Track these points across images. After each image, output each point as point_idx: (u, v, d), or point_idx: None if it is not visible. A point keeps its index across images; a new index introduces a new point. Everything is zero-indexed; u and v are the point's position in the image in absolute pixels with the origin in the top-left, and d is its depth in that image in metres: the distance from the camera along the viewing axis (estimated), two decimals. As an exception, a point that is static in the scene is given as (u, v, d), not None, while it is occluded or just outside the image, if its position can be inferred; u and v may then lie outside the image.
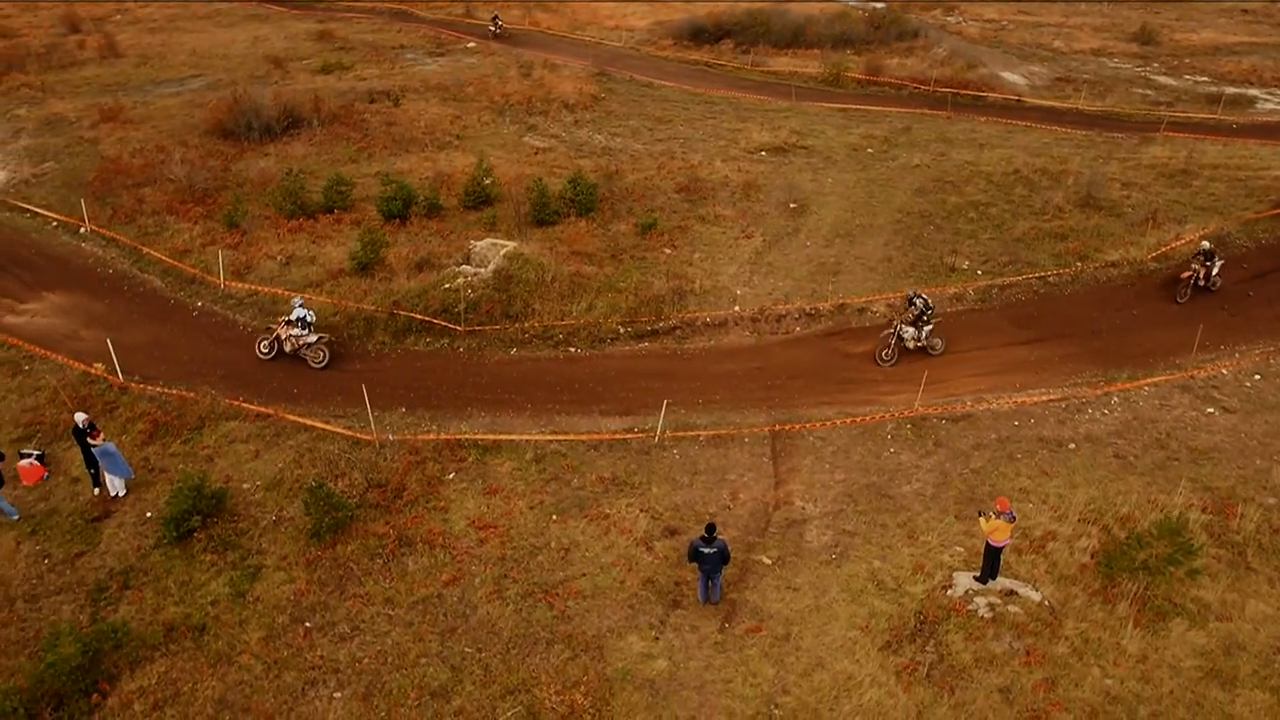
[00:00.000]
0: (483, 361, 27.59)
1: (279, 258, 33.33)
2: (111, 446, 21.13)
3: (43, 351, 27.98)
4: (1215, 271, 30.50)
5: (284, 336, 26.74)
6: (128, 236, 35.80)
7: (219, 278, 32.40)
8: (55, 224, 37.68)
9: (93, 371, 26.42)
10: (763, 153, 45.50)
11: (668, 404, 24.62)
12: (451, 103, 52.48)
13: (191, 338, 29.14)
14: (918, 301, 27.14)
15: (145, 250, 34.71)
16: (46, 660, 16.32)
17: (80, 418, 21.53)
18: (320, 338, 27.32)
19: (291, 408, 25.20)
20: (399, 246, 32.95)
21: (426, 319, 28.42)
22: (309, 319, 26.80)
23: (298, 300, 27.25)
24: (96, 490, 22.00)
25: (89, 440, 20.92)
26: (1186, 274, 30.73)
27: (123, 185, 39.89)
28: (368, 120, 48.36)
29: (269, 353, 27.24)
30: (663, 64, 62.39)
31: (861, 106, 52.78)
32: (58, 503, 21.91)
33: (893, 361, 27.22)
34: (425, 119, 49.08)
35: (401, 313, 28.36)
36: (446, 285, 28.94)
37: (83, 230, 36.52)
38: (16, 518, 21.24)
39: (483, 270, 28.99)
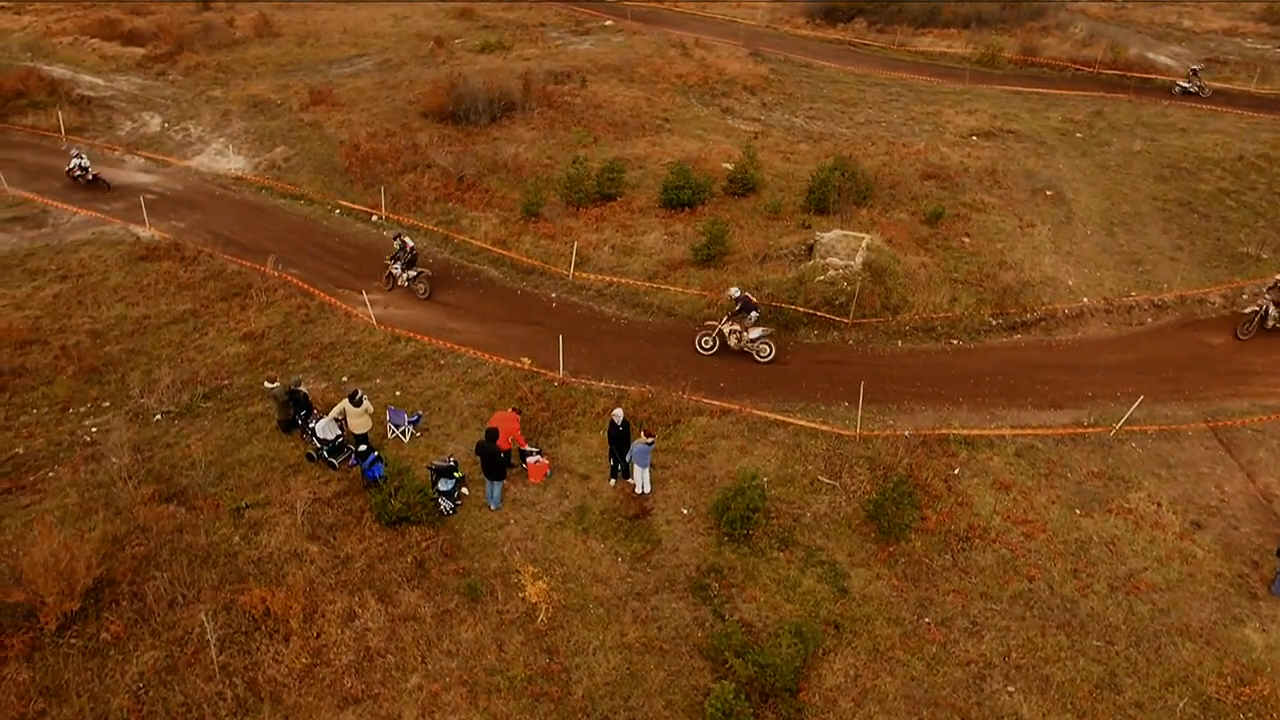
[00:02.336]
0: (878, 354, 28.03)
1: (606, 248, 33.21)
2: (650, 444, 21.41)
3: (448, 345, 28.33)
4: None
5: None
6: (429, 224, 35.81)
7: (561, 267, 32.65)
8: (336, 209, 37.58)
9: (520, 366, 26.42)
10: (974, 137, 45.86)
11: (1092, 397, 26.17)
12: (632, 84, 52.19)
13: (579, 330, 29.26)
14: None
15: (459, 238, 34.91)
16: (751, 659, 17.04)
17: (618, 415, 21.93)
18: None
19: (741, 401, 25.69)
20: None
21: (810, 311, 28.58)
22: None
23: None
24: (613, 482, 22.62)
25: (644, 437, 21.27)
26: None
27: (384, 171, 39.37)
28: (571, 103, 48.10)
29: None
30: (806, 43, 62.45)
31: (1036, 90, 53.63)
32: (552, 499, 22.26)
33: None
34: (620, 101, 48.95)
35: (788, 306, 28.45)
36: (820, 277, 29.15)
37: (375, 218, 36.17)
38: (496, 508, 21.59)
39: (852, 263, 29.22)
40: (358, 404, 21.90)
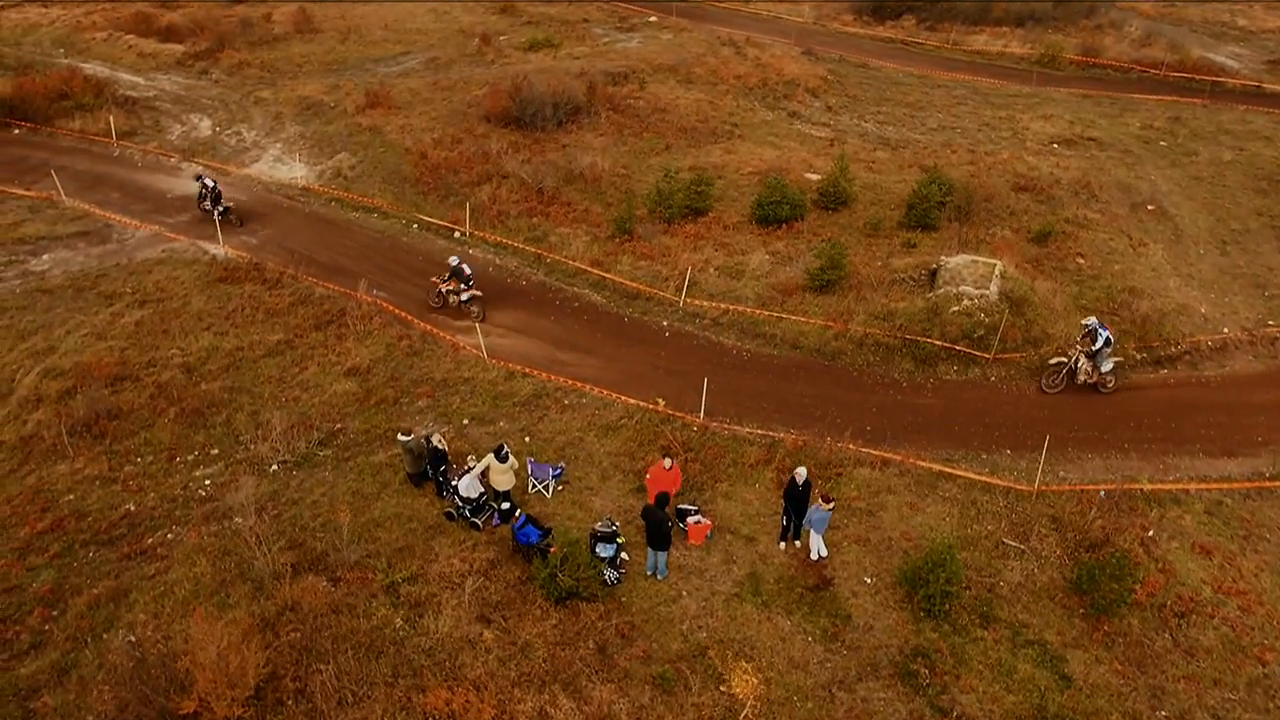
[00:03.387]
0: (1024, 393, 26.22)
1: (711, 270, 31.08)
2: (830, 510, 19.55)
3: (570, 382, 26.27)
4: None
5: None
6: (517, 242, 33.64)
7: (667, 292, 30.71)
8: (414, 224, 35.51)
9: (654, 408, 24.28)
10: (1055, 145, 44.00)
11: (1262, 443, 24.71)
12: (691, 86, 49.95)
13: (700, 365, 27.16)
14: None
15: (550, 257, 32.76)
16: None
17: (800, 473, 19.98)
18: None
19: (899, 449, 23.87)
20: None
21: (949, 346, 26.55)
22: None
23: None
24: (782, 545, 20.89)
25: (824, 503, 19.42)
26: None
27: (458, 182, 37.15)
28: (635, 106, 45.92)
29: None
30: (858, 41, 60.52)
31: (1105, 93, 51.77)
32: (719, 565, 20.41)
33: None
34: (683, 105, 46.76)
35: (924, 340, 26.38)
36: (955, 308, 27.09)
37: (458, 234, 33.88)
38: (663, 578, 19.60)
39: (987, 292, 27.13)
40: (504, 460, 19.86)
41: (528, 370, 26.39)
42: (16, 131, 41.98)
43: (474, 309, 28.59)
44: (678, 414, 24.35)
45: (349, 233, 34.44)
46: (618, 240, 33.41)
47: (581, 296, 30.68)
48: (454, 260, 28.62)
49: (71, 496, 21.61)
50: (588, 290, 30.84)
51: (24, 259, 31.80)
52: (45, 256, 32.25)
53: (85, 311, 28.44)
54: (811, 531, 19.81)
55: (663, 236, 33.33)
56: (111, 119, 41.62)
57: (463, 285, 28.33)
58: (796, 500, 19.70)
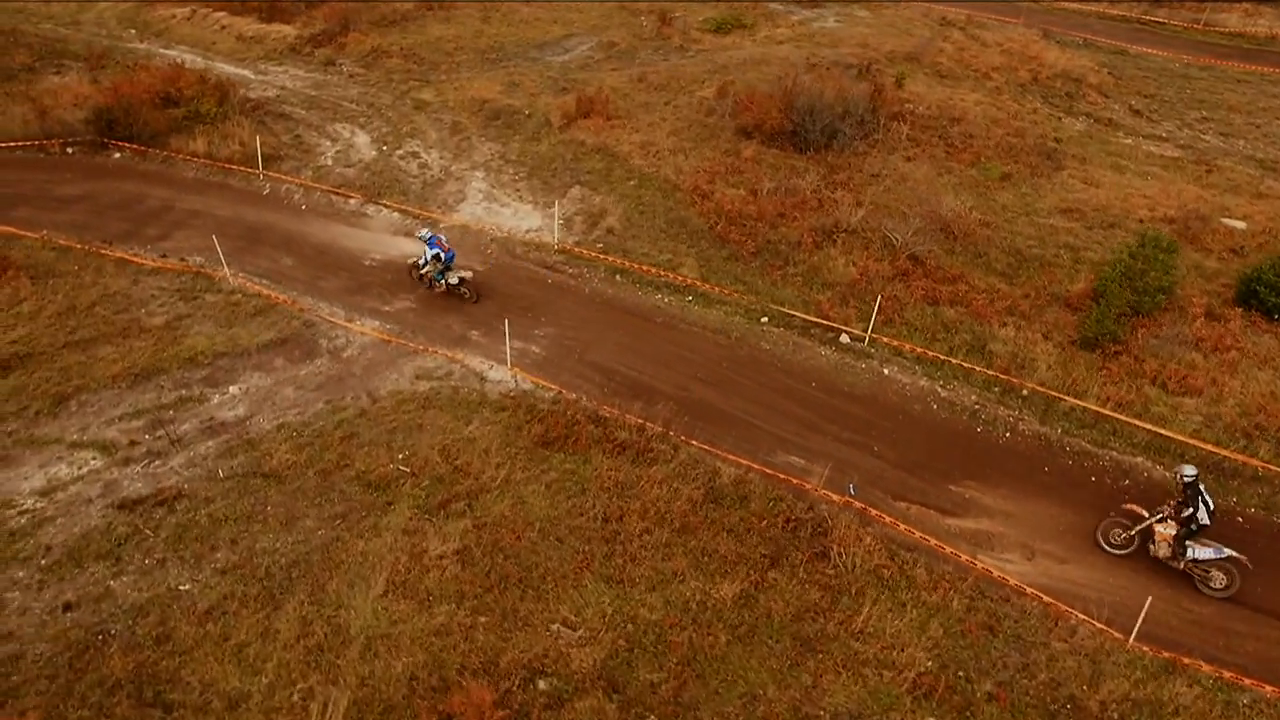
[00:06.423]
0: None
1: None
2: None
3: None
4: None
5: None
6: (941, 353, 21.35)
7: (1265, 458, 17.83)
8: (764, 317, 23.08)
9: None
10: None
11: None
12: (956, 83, 37.91)
13: None
14: None
15: (1023, 386, 20.45)
16: None
17: None
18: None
19: None
20: None
21: None
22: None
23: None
24: None
25: None
26: None
27: (782, 241, 25.07)
28: (918, 114, 32.63)
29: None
30: (1082, 20, 48.45)
31: None
32: None
33: None
34: (974, 112, 34.44)
35: None
36: None
37: (845, 338, 20.16)
38: None
39: None
40: None
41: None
42: (118, 156, 27.55)
43: (465, 291, 22.13)
44: None
45: (669, 334, 21.59)
46: (1098, 356, 19.78)
47: (1127, 467, 16.80)
48: (424, 233, 21.83)
49: None
50: (1129, 453, 17.00)
51: (202, 394, 18.37)
52: (232, 389, 18.53)
53: (349, 525, 15.42)
54: None
55: (1179, 347, 19.53)
56: (257, 139, 27.38)
57: (445, 265, 21.59)
58: None
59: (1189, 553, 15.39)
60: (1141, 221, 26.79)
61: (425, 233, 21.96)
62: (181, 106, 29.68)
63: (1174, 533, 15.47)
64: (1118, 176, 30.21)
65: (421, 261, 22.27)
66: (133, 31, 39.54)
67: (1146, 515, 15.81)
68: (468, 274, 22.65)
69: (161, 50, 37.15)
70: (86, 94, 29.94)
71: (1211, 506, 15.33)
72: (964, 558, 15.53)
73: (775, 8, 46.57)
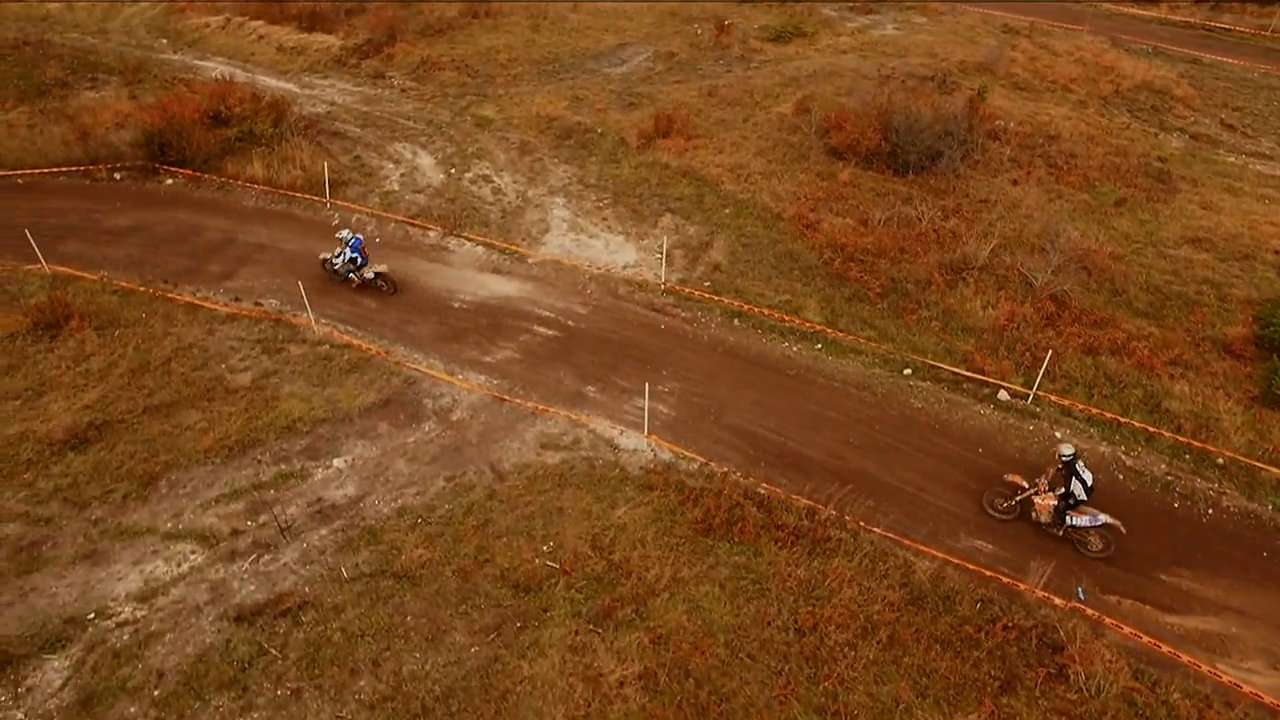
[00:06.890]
0: None
1: None
2: None
3: None
4: None
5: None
6: (1114, 412, 19.13)
7: None
8: (906, 368, 20.86)
9: None
10: None
11: None
12: (1026, 94, 35.64)
13: None
14: None
15: (1221, 456, 17.96)
16: None
17: None
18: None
19: None
20: None
21: None
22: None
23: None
24: None
25: None
26: None
27: (906, 279, 22.96)
28: (1011, 130, 30.09)
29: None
30: (1149, 27, 46.60)
31: None
32: None
33: None
34: (1066, 129, 32.22)
35: None
36: None
37: (1002, 395, 17.86)
38: None
39: None
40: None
41: None
42: (170, 182, 24.94)
43: (382, 285, 21.89)
44: None
45: (806, 389, 19.52)
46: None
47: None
48: (345, 234, 21.60)
49: None
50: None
51: (303, 469, 16.02)
52: (336, 463, 15.94)
53: (505, 640, 13.89)
54: None
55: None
56: (324, 164, 25.19)
57: (360, 260, 21.37)
58: None
59: (1067, 520, 15.62)
60: (1278, 253, 24.31)
61: (346, 234, 21.80)
62: (233, 126, 27.03)
63: (1053, 504, 15.73)
64: (1235, 200, 27.96)
65: (335, 257, 21.69)
66: (164, 41, 36.82)
67: (1026, 488, 16.47)
68: (383, 268, 22.25)
69: (197, 62, 34.42)
70: (126, 111, 27.35)
71: (1089, 483, 15.65)
72: (1224, 677, 13.10)
73: (829, 13, 44.02)
